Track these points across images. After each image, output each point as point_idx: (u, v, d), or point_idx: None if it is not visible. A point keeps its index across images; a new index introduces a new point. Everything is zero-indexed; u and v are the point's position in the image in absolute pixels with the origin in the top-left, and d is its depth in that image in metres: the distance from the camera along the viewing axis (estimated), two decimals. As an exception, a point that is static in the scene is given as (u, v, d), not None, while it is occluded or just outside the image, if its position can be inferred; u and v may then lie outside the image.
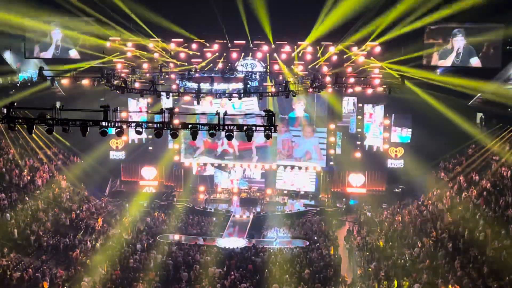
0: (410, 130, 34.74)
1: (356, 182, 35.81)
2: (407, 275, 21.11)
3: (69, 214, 28.65)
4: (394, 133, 35.24)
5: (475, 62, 31.52)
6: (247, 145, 35.38)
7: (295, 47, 31.76)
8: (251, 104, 34.70)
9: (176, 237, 28.44)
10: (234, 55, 32.16)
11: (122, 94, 24.65)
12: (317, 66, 31.19)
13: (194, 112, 32.33)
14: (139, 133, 16.02)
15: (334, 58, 31.50)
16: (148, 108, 36.12)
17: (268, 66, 31.79)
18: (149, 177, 37.45)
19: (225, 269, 22.94)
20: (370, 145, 35.86)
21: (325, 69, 30.81)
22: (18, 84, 34.57)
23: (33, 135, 24.09)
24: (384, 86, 27.16)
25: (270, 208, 33.83)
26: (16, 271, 21.71)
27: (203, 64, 31.57)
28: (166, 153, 37.46)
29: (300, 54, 32.11)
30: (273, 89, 29.20)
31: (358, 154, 35.57)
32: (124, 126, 15.76)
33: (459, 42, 31.60)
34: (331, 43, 31.27)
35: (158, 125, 15.64)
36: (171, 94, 26.33)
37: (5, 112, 14.58)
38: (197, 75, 28.28)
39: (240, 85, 26.47)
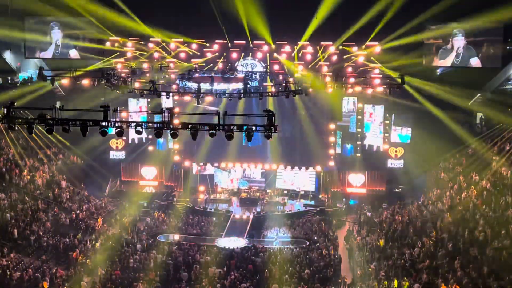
0: (410, 129, 34.72)
1: (356, 182, 35.80)
2: (407, 275, 21.10)
3: (69, 214, 28.64)
4: (394, 132, 35.23)
5: (475, 62, 31.53)
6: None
7: (295, 47, 31.77)
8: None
9: (176, 237, 28.43)
10: (234, 55, 32.16)
11: (122, 94, 24.65)
12: (317, 66, 31.19)
13: (194, 112, 32.30)
14: (139, 133, 16.02)
15: (334, 58, 31.51)
16: (148, 108, 36.11)
17: (268, 66, 31.78)
18: (149, 177, 37.44)
19: (225, 269, 22.93)
20: (370, 145, 35.85)
21: (325, 69, 30.81)
22: (18, 84, 34.59)
23: (33, 135, 24.05)
24: (384, 86, 27.16)
25: (270, 208, 33.82)
26: (16, 271, 21.69)
27: (201, 61, 31.51)
28: (166, 153, 37.48)
29: (300, 54, 32.11)
30: (273, 89, 29.18)
31: (358, 154, 35.59)
32: (124, 126, 15.76)
33: (459, 42, 31.62)
34: (330, 43, 31.29)
35: (158, 125, 15.65)
36: (171, 94, 26.32)
37: (5, 112, 14.59)
38: (197, 75, 28.27)
39: (240, 85, 26.46)
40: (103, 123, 15.10)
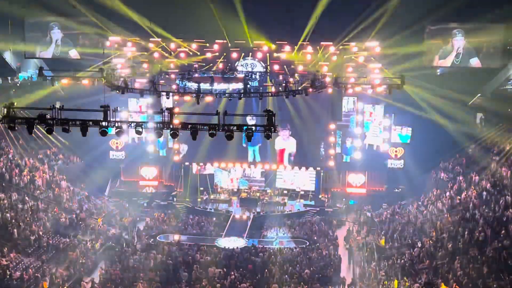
0: (410, 128, 34.71)
1: (356, 182, 35.80)
2: (407, 275, 21.12)
3: (69, 214, 28.65)
4: (394, 132, 35.19)
5: (475, 62, 31.54)
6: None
7: (295, 47, 31.76)
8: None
9: (176, 237, 28.44)
10: (234, 55, 32.15)
11: (122, 94, 24.64)
12: (317, 66, 31.18)
13: (194, 112, 32.25)
14: (139, 133, 16.03)
15: (334, 58, 31.48)
16: (148, 108, 36.05)
17: (268, 66, 31.76)
18: (149, 177, 37.43)
19: (225, 269, 22.93)
20: (370, 144, 35.83)
21: (325, 69, 30.80)
22: (18, 84, 34.61)
23: (33, 135, 24.06)
24: (384, 86, 27.13)
25: (270, 208, 33.82)
26: (16, 271, 21.71)
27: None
28: (166, 153, 37.47)
29: (300, 54, 32.10)
30: (273, 89, 29.17)
31: (358, 154, 35.57)
32: (124, 126, 15.76)
33: (459, 42, 31.63)
34: (330, 43, 31.27)
35: (158, 125, 15.65)
36: (171, 94, 26.30)
37: (5, 112, 14.60)
38: (197, 75, 28.25)
39: (240, 85, 26.44)
40: (103, 123, 15.10)
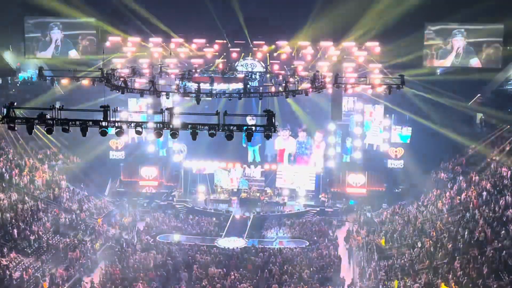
0: (410, 128, 34.70)
1: (356, 182, 35.78)
2: (407, 275, 21.11)
3: (69, 214, 28.64)
4: (394, 132, 35.16)
5: (475, 62, 31.56)
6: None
7: (295, 47, 31.79)
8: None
9: (176, 237, 28.44)
10: (234, 55, 32.15)
11: (122, 94, 24.63)
12: (316, 66, 31.19)
13: (194, 112, 32.25)
14: (139, 133, 16.01)
15: (334, 58, 31.49)
16: (147, 108, 36.04)
17: (268, 67, 31.77)
18: (149, 177, 37.42)
19: (224, 269, 22.94)
20: (370, 143, 35.82)
21: (325, 69, 30.80)
22: (18, 84, 34.63)
23: (33, 135, 24.05)
24: (384, 86, 27.11)
25: (270, 208, 33.82)
26: (16, 271, 21.70)
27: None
28: (166, 153, 37.46)
29: (300, 54, 32.12)
30: (273, 89, 29.16)
31: (358, 154, 35.57)
32: (124, 126, 15.73)
33: (459, 42, 31.65)
34: (331, 43, 31.28)
35: (158, 125, 15.63)
36: (171, 94, 26.29)
37: (5, 112, 14.58)
38: (197, 75, 28.25)
39: (240, 85, 26.44)
40: (103, 123, 15.08)
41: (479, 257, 20.31)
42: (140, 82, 27.54)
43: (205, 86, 25.48)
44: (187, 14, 32.02)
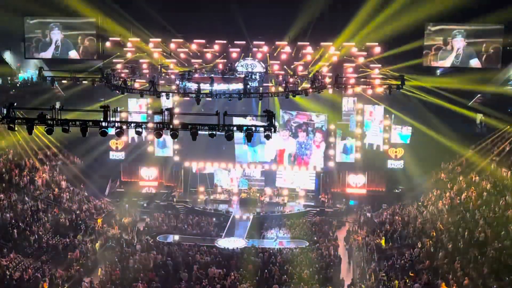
0: (410, 128, 34.68)
1: (356, 183, 35.77)
2: (407, 276, 21.10)
3: (69, 215, 28.64)
4: (394, 131, 35.12)
5: (474, 63, 31.56)
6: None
7: (295, 47, 31.77)
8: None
9: (176, 237, 28.43)
10: (234, 55, 32.16)
11: (122, 94, 24.66)
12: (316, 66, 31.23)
13: (195, 112, 32.30)
14: (139, 133, 16.02)
15: (334, 58, 31.48)
16: (147, 108, 36.05)
17: (268, 67, 31.77)
18: (149, 177, 37.41)
19: (225, 269, 22.93)
20: (370, 143, 35.80)
21: (325, 69, 30.81)
22: (18, 84, 34.62)
23: (33, 135, 24.06)
24: (384, 87, 27.15)
25: (270, 208, 33.81)
26: (16, 271, 21.70)
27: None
28: (166, 153, 37.44)
29: (300, 55, 32.12)
30: (273, 89, 29.18)
31: (358, 154, 35.56)
32: (124, 127, 15.74)
33: (458, 43, 31.65)
34: (330, 43, 31.28)
35: (158, 125, 15.63)
36: (171, 94, 26.31)
37: (5, 112, 14.59)
38: (197, 75, 28.26)
39: (240, 86, 26.45)
40: (103, 123, 15.08)
41: (479, 257, 20.32)
42: (140, 82, 27.57)
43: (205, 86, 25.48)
44: (187, 14, 31.99)
